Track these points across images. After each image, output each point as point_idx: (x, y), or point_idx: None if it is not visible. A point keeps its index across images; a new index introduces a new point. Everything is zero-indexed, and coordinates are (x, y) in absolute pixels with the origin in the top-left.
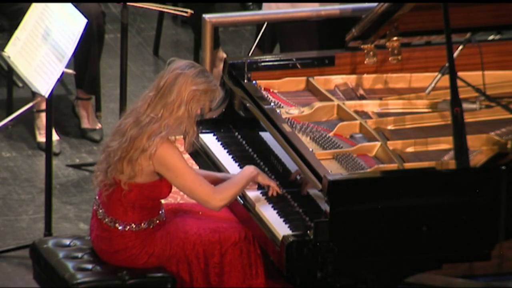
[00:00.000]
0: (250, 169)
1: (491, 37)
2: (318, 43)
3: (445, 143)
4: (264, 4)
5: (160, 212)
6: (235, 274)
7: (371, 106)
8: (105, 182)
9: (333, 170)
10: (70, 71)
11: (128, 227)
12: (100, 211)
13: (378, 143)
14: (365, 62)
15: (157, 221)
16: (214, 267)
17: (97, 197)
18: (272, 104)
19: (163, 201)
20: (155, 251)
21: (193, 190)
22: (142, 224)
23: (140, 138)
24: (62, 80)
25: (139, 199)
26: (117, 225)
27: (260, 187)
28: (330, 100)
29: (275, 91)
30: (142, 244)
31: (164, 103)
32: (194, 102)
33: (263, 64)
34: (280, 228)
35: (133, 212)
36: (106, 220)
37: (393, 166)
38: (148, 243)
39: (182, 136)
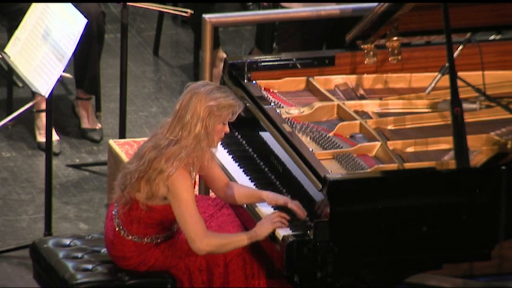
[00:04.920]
0: (256, 233)
1: (491, 37)
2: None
3: (445, 143)
4: (283, 4)
5: (169, 230)
6: (238, 284)
7: (371, 106)
8: (122, 199)
9: (333, 170)
10: (67, 74)
11: (130, 236)
12: (116, 208)
13: (378, 143)
14: (365, 62)
15: (163, 237)
16: (219, 277)
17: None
18: (272, 104)
19: None
20: (155, 264)
21: (186, 224)
22: (145, 239)
23: (158, 160)
24: (62, 80)
25: (146, 217)
26: (122, 231)
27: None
28: (330, 100)
29: (275, 91)
30: (140, 257)
31: (181, 124)
32: (211, 118)
33: (263, 64)
34: (280, 228)
35: (138, 226)
36: (116, 220)
37: (393, 166)
38: (148, 256)
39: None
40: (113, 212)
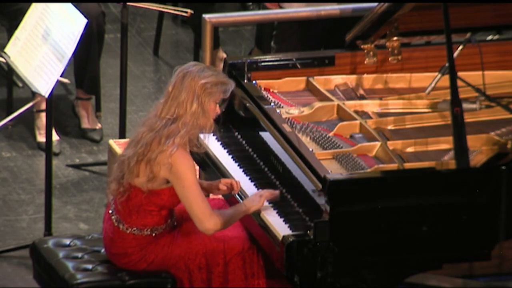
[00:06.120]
0: (248, 205)
1: (489, 37)
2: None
3: (445, 143)
4: (285, 4)
5: (168, 221)
6: (238, 283)
7: (371, 106)
8: (119, 190)
9: (333, 170)
10: (65, 80)
11: (130, 229)
12: (112, 205)
13: (378, 143)
14: (365, 62)
15: (162, 230)
16: (218, 276)
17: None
18: (272, 104)
19: None
20: (155, 261)
21: (193, 205)
22: (145, 230)
23: (157, 140)
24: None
25: (145, 204)
26: (121, 225)
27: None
28: (330, 100)
29: (275, 91)
30: (141, 252)
31: (176, 103)
32: (205, 96)
33: (263, 64)
34: (280, 228)
35: (137, 216)
36: (114, 217)
37: (393, 166)
38: (148, 251)
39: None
40: (110, 211)
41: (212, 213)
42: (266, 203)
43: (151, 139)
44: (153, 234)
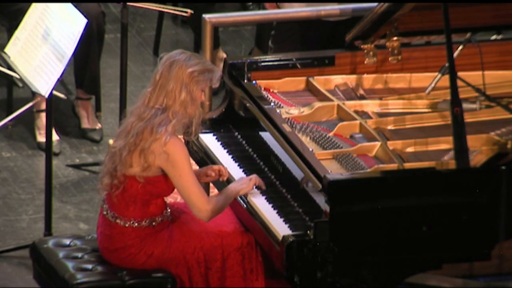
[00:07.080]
0: (237, 188)
1: (481, 37)
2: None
3: (445, 143)
4: (284, 4)
5: (164, 212)
6: (237, 279)
7: (371, 106)
8: (113, 183)
9: (333, 170)
10: (61, 95)
11: (128, 223)
12: (105, 206)
13: (378, 143)
14: (365, 62)
15: (160, 220)
16: (216, 272)
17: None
18: (272, 104)
19: (167, 200)
20: (154, 253)
21: (190, 194)
22: (143, 222)
23: (148, 129)
24: (62, 80)
25: (141, 193)
26: (118, 220)
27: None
28: (330, 100)
29: (275, 91)
30: (141, 244)
31: (165, 92)
32: (193, 84)
33: (263, 64)
34: (280, 228)
35: (135, 207)
36: (109, 214)
37: (393, 166)
38: (148, 243)
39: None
40: (104, 212)
41: (208, 200)
42: (265, 202)
43: (142, 128)
44: (152, 225)
